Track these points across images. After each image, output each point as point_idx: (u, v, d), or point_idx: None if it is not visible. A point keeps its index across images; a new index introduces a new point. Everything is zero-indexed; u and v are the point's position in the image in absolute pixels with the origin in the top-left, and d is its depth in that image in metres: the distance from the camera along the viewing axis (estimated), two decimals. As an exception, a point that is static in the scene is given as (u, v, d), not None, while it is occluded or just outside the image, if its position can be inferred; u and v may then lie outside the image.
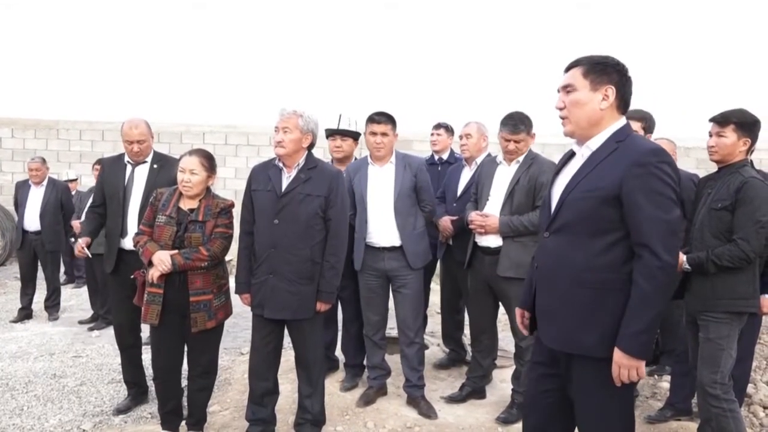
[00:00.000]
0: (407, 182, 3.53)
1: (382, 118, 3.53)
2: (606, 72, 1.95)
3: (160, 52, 18.54)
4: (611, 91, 1.94)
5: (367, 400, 3.62)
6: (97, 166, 5.84)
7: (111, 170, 3.62)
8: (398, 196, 3.50)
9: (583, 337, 1.92)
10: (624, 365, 1.83)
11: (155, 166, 3.57)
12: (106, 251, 3.58)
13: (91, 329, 5.58)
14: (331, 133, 3.92)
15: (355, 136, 3.91)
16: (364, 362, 4.01)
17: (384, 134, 3.51)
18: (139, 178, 3.55)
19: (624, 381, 1.86)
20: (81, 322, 5.83)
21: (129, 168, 3.57)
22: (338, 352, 4.16)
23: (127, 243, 3.47)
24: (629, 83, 1.99)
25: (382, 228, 3.52)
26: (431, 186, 3.72)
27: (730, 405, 2.73)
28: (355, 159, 4.02)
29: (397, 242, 3.51)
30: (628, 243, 1.88)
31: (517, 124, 3.35)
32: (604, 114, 1.96)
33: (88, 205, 4.18)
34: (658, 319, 1.84)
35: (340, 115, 3.86)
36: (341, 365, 4.10)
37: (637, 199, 1.84)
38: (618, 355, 1.84)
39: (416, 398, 3.58)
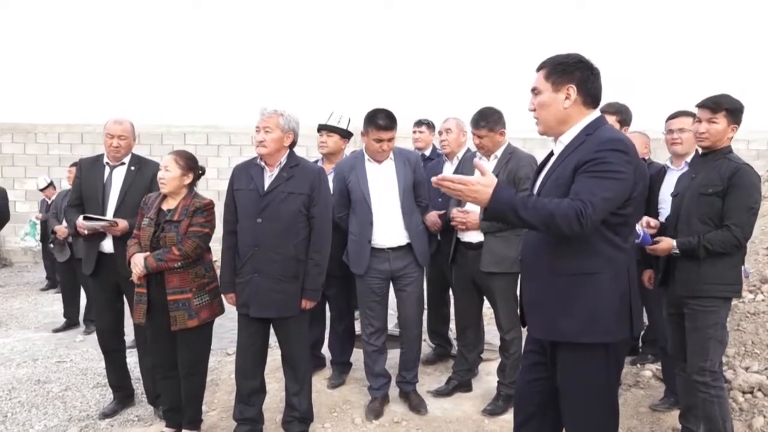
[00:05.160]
0: (409, 178, 3.42)
1: (390, 123, 3.31)
2: (566, 72, 2.00)
3: (140, 52, 18.35)
4: (572, 90, 2.00)
5: (376, 413, 3.44)
6: (72, 168, 5.75)
7: (89, 171, 3.58)
8: (403, 194, 3.39)
9: (563, 324, 1.96)
10: (479, 186, 1.83)
11: (132, 168, 3.54)
12: (85, 254, 3.54)
13: (87, 333, 5.47)
14: (318, 129, 3.90)
15: (342, 133, 3.81)
16: (350, 359, 4.03)
17: (390, 140, 3.36)
18: (116, 179, 3.51)
19: (451, 189, 1.85)
20: (55, 330, 5.70)
21: (107, 170, 3.54)
22: (325, 350, 4.17)
23: (107, 246, 3.45)
24: (594, 78, 2.03)
25: (389, 228, 3.39)
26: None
27: (718, 392, 2.74)
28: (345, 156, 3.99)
29: (403, 241, 3.41)
30: (599, 230, 1.91)
31: (478, 120, 3.37)
32: (569, 112, 2.01)
33: (65, 205, 4.12)
34: (524, 219, 1.82)
35: (332, 112, 3.81)
36: (328, 363, 4.11)
37: (582, 176, 1.88)
38: (484, 185, 1.83)
39: (408, 393, 3.57)
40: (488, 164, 3.43)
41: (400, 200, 3.39)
